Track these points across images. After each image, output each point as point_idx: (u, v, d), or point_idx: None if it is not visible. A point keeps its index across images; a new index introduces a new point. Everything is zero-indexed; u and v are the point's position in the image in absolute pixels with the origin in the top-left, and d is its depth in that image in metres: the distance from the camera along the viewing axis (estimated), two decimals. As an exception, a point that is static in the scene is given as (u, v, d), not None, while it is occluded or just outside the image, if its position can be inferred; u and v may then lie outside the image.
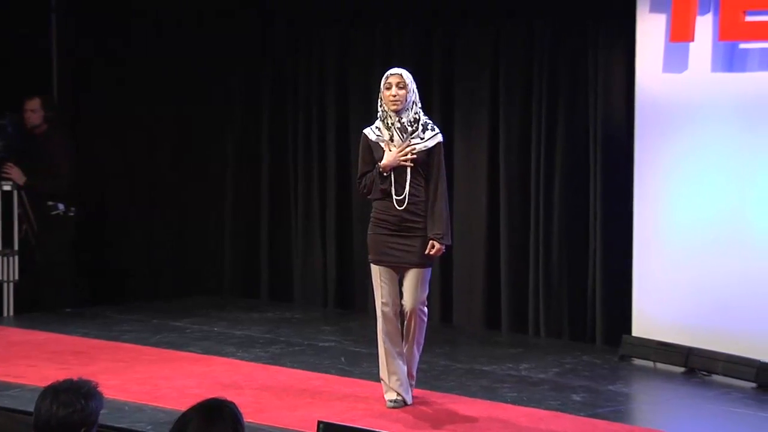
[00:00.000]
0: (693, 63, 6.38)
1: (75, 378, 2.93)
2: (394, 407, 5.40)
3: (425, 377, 6.09)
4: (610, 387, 5.99)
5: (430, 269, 5.42)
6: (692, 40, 6.32)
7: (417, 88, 5.31)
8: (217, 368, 6.23)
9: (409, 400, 5.45)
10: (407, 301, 5.36)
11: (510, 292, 7.36)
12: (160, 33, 8.70)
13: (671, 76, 6.46)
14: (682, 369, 6.35)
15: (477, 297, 7.52)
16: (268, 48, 8.40)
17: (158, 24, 8.71)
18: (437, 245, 5.31)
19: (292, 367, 6.28)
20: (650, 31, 6.52)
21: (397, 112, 5.31)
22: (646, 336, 6.54)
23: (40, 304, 7.94)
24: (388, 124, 5.34)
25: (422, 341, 5.47)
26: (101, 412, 3.07)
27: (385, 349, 5.40)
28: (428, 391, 5.78)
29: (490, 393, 5.78)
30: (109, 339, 6.93)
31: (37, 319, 7.54)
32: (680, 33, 6.33)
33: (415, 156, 5.31)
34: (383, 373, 5.43)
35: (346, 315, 8.00)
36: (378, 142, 5.38)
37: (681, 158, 6.45)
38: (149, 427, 5.03)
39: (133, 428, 5.03)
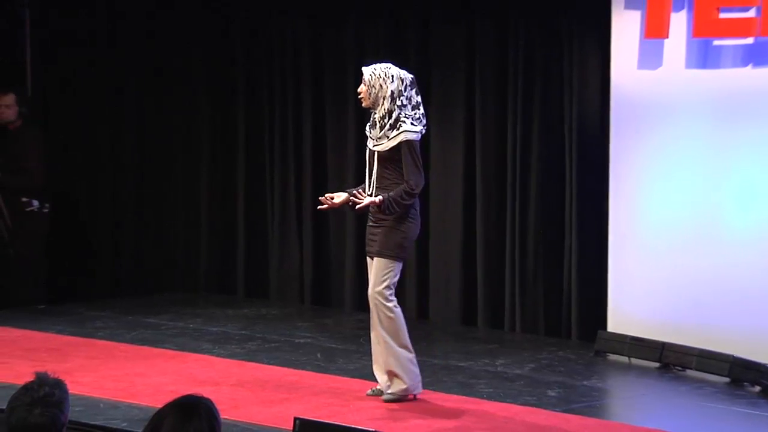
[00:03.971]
0: (667, 60, 6.41)
1: (47, 375, 2.89)
2: (370, 395, 5.51)
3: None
4: (585, 382, 6.02)
5: (391, 261, 5.39)
6: (667, 36, 6.35)
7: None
8: (192, 365, 6.21)
9: (384, 390, 5.46)
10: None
11: (486, 287, 7.38)
12: (133, 27, 8.66)
13: (646, 73, 6.49)
14: (656, 364, 6.38)
15: (453, 293, 7.53)
16: (241, 44, 8.37)
17: (131, 19, 8.66)
18: (371, 198, 5.36)
19: (268, 363, 6.27)
20: (625, 27, 6.55)
21: (369, 108, 5.44)
22: (621, 331, 6.57)
23: (14, 301, 7.89)
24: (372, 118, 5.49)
25: (394, 339, 5.37)
26: (75, 409, 3.04)
27: (371, 339, 5.54)
28: (404, 387, 5.78)
29: (466, 388, 5.79)
30: (83, 336, 6.90)
31: (10, 315, 7.48)
32: (655, 30, 6.36)
33: (326, 207, 5.52)
34: None
35: (322, 311, 7.99)
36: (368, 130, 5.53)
37: (656, 155, 6.48)
38: (124, 424, 5.01)
39: (108, 425, 5.01)
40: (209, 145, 8.56)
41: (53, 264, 8.32)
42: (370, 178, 5.46)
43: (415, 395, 5.48)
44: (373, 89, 5.38)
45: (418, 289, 7.67)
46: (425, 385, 5.80)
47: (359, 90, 5.47)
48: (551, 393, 5.75)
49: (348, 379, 5.91)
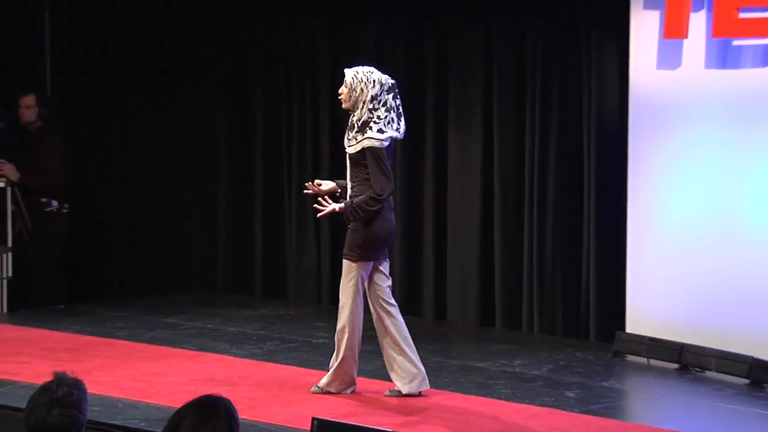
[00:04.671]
0: (687, 60, 6.38)
1: (66, 375, 2.90)
2: (386, 395, 5.59)
3: (419, 374, 6.09)
4: (604, 383, 6.00)
5: (350, 262, 5.46)
6: (686, 36, 6.33)
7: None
8: (210, 365, 6.22)
9: (404, 390, 5.56)
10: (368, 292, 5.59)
11: (504, 288, 7.37)
12: (152, 28, 8.69)
13: (665, 73, 6.47)
14: (675, 365, 6.36)
15: (471, 293, 7.53)
16: (259, 48, 8.38)
17: (148, 20, 8.69)
18: (333, 205, 5.44)
19: (287, 363, 6.28)
20: (644, 27, 6.53)
21: (348, 110, 5.51)
22: (640, 332, 6.55)
23: (33, 301, 7.93)
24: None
25: (342, 337, 5.49)
26: (94, 409, 3.06)
27: None
28: (422, 388, 5.78)
29: (483, 389, 5.78)
30: (102, 336, 6.92)
31: (29, 315, 7.53)
32: (674, 30, 6.34)
33: (311, 192, 5.58)
34: None
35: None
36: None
37: (674, 155, 6.46)
38: (143, 424, 5.03)
39: (127, 425, 5.03)
40: (227, 146, 8.58)
41: (72, 264, 8.35)
42: (346, 177, 5.56)
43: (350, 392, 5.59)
44: (354, 92, 5.44)
45: (436, 289, 7.67)
46: (443, 386, 5.82)
47: (340, 91, 5.51)
48: (570, 394, 5.74)
49: (366, 379, 5.90)
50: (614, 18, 6.81)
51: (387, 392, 5.58)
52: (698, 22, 6.29)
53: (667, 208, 6.50)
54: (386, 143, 5.43)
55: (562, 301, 7.18)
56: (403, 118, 5.51)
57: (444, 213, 7.64)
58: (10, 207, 7.84)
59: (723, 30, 6.18)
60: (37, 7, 8.85)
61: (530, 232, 7.25)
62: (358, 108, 5.44)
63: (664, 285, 6.48)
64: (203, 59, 8.56)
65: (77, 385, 2.88)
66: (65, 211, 8.01)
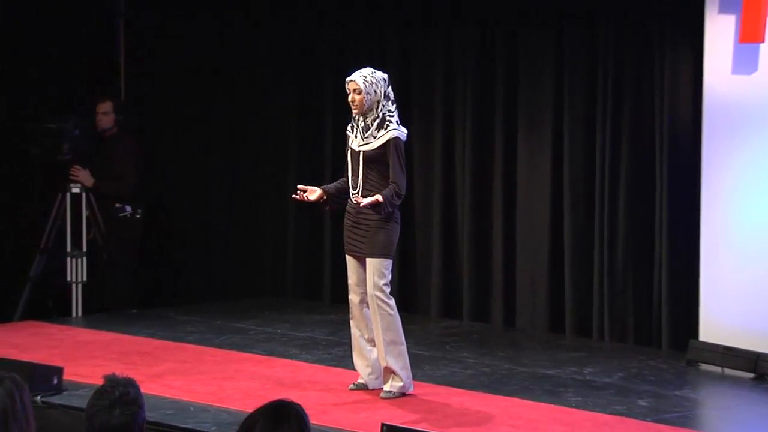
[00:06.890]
0: (763, 65, 6.27)
1: (117, 376, 2.94)
2: (352, 389, 5.69)
3: (488, 381, 6.07)
4: (677, 392, 5.92)
5: (383, 260, 5.51)
6: (762, 41, 6.22)
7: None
8: (280, 370, 6.26)
9: (370, 385, 5.67)
10: (366, 290, 5.60)
11: (574, 295, 7.30)
12: (223, 35, 8.78)
13: (740, 78, 6.36)
14: (750, 375, 6.24)
15: (540, 300, 7.47)
16: (330, 53, 8.41)
17: (221, 26, 8.78)
18: (377, 196, 5.41)
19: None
20: (719, 32, 6.43)
21: (362, 114, 5.55)
22: (714, 341, 6.44)
23: (107, 305, 8.04)
24: (356, 121, 5.60)
25: (394, 338, 5.54)
26: (167, 412, 3.08)
27: (351, 333, 5.72)
28: (491, 395, 5.76)
29: (553, 397, 5.73)
30: (173, 340, 7.00)
31: (103, 319, 7.64)
32: (750, 34, 6.24)
33: (298, 198, 5.67)
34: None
35: (408, 318, 7.92)
36: (348, 135, 5.67)
37: (750, 161, 6.35)
38: (214, 428, 5.07)
39: (199, 429, 5.07)
40: (297, 152, 8.63)
41: (144, 269, 8.46)
42: (354, 178, 5.56)
43: (410, 392, 5.61)
44: (369, 96, 5.51)
45: (505, 296, 7.62)
46: (513, 393, 5.78)
47: (352, 99, 5.53)
48: (642, 402, 5.67)
49: (434, 386, 5.90)
50: (688, 22, 6.72)
51: (352, 386, 5.70)
52: (775, 26, 6.18)
53: (742, 215, 6.39)
54: (405, 139, 5.55)
55: (633, 308, 7.09)
56: None
57: (513, 219, 7.59)
58: (84, 212, 7.98)
59: (800, 34, 6.06)
60: (112, 16, 9.00)
61: (601, 238, 7.17)
62: (373, 108, 5.52)
63: (739, 292, 6.37)
64: (274, 63, 8.61)
65: (131, 383, 2.93)
66: (139, 216, 8.12)
